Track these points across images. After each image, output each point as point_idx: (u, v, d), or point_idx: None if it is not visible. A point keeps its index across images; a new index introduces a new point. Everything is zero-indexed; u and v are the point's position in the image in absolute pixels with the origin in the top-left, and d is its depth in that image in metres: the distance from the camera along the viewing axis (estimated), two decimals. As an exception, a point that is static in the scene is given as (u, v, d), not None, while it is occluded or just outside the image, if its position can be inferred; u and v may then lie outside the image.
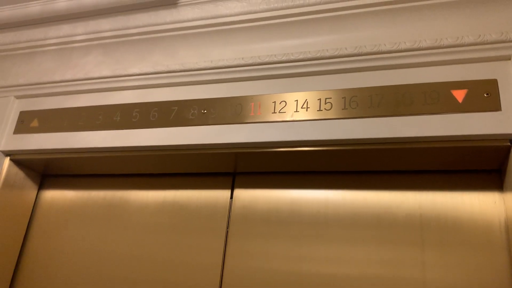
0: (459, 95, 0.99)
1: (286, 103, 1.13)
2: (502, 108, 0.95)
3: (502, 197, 1.05)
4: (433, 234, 1.06)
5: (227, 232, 1.24)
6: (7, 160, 1.37)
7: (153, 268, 1.25)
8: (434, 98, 1.00)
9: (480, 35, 1.00)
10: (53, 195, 1.48)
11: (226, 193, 1.29)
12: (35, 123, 1.35)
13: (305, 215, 1.18)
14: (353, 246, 1.11)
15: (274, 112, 1.13)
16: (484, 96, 0.97)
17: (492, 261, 1.00)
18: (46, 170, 1.47)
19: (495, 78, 0.98)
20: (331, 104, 1.08)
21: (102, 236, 1.35)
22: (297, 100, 1.12)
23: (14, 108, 1.40)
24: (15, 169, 1.40)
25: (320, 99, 1.10)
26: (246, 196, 1.27)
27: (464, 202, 1.09)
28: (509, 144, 0.95)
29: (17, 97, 1.41)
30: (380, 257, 1.08)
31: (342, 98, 1.08)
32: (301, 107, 1.11)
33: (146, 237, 1.30)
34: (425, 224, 1.08)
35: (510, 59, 0.98)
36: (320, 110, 1.09)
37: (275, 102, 1.14)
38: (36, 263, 1.39)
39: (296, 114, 1.10)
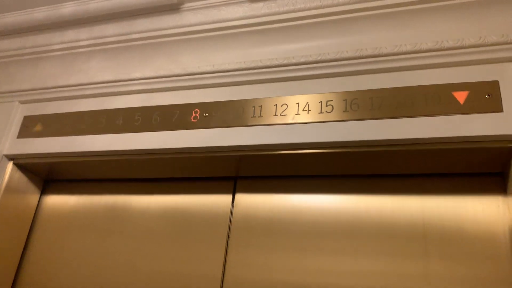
0: (461, 96, 0.99)
1: (287, 106, 1.13)
2: (504, 109, 0.95)
3: (506, 201, 1.04)
4: (437, 241, 1.05)
5: (228, 236, 1.23)
6: (10, 164, 1.38)
7: (154, 277, 1.24)
8: (435, 100, 1.00)
9: (481, 37, 1.00)
10: (55, 201, 1.49)
11: (227, 197, 1.29)
12: (38, 127, 1.36)
13: (306, 222, 1.17)
14: (354, 256, 1.10)
15: (276, 115, 1.13)
16: (485, 97, 0.97)
17: (497, 268, 0.99)
18: (49, 175, 1.47)
19: (497, 79, 0.98)
20: (332, 106, 1.09)
21: (102, 245, 1.34)
22: (298, 103, 1.12)
23: (18, 113, 1.41)
24: (18, 174, 1.41)
25: (321, 101, 1.10)
26: (248, 200, 1.26)
27: (467, 206, 1.08)
28: (511, 145, 0.94)
29: (21, 102, 1.42)
30: (381, 268, 1.06)
31: (343, 100, 1.08)
32: (303, 110, 1.11)
33: (147, 244, 1.29)
34: (428, 230, 1.07)
35: (511, 61, 0.98)
36: (321, 112, 1.09)
37: (276, 105, 1.14)
38: (37, 269, 1.39)
39: (297, 116, 1.11)
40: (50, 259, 1.38)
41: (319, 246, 1.13)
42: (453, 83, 1.00)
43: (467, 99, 0.98)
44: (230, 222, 1.25)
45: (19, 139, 1.37)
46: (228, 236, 1.23)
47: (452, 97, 0.99)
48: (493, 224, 1.03)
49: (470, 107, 0.97)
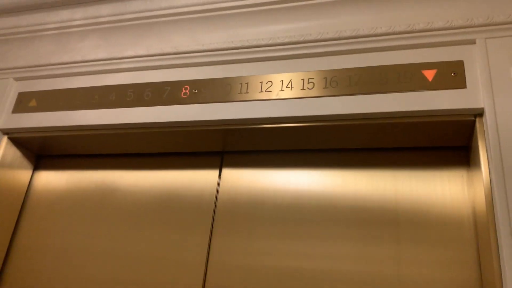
0: (429, 74, 1.09)
1: (272, 83, 1.21)
2: (468, 86, 1.05)
3: (469, 174, 1.14)
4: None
5: (215, 206, 1.31)
6: (5, 139, 1.42)
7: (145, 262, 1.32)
8: (406, 77, 1.10)
9: (448, 21, 1.10)
10: (47, 176, 1.54)
11: (214, 172, 1.37)
12: (33, 103, 1.42)
13: (289, 199, 1.26)
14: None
15: (261, 91, 1.21)
16: (451, 75, 1.07)
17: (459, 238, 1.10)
18: (42, 150, 1.52)
19: (462, 59, 1.08)
20: (314, 83, 1.17)
21: (90, 227, 1.40)
22: (282, 80, 1.20)
23: (12, 89, 1.46)
24: (13, 149, 1.46)
25: (303, 79, 1.19)
26: (234, 175, 1.34)
27: (435, 181, 1.18)
28: (473, 118, 1.04)
29: (16, 79, 1.47)
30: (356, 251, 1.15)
31: (324, 78, 1.17)
32: (286, 87, 1.19)
33: (137, 219, 1.37)
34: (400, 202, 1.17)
35: (475, 43, 1.08)
36: (303, 89, 1.17)
37: (262, 82, 1.22)
38: (28, 244, 1.44)
39: (281, 93, 1.19)
40: (40, 236, 1.44)
41: (298, 230, 1.22)
42: (422, 63, 1.10)
43: (435, 77, 1.08)
44: (216, 194, 1.33)
45: (14, 114, 1.42)
46: (216, 202, 1.31)
47: (421, 75, 1.09)
48: (459, 201, 1.13)
49: (438, 84, 1.07)
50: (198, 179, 1.37)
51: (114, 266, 1.32)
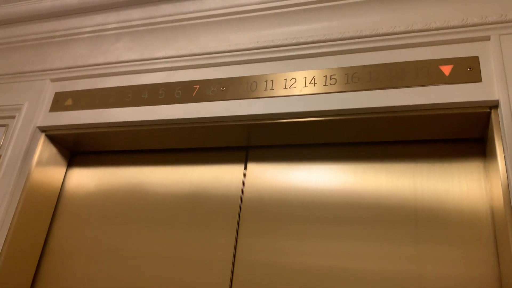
0: (446, 69, 1.15)
1: (296, 80, 1.28)
2: (483, 80, 1.10)
3: (486, 165, 1.20)
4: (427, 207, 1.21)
5: (241, 201, 1.38)
6: (42, 136, 1.51)
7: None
8: (424, 72, 1.16)
9: (463, 19, 1.16)
10: (80, 174, 1.62)
11: (240, 167, 1.44)
12: (69, 102, 1.51)
13: (310, 195, 1.32)
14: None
15: (285, 88, 1.28)
16: (467, 70, 1.13)
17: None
18: (76, 147, 1.61)
19: (477, 55, 1.14)
20: (336, 79, 1.24)
21: (120, 226, 1.46)
22: (305, 77, 1.28)
23: (49, 90, 1.55)
24: (49, 146, 1.54)
25: (326, 76, 1.26)
26: (258, 169, 1.41)
27: (452, 169, 1.23)
28: (489, 110, 1.10)
29: (53, 80, 1.56)
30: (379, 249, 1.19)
31: (345, 74, 1.24)
32: (309, 83, 1.26)
33: (165, 217, 1.43)
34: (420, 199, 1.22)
35: (489, 39, 1.14)
36: (326, 85, 1.24)
37: (286, 79, 1.29)
38: (61, 244, 1.51)
39: (304, 89, 1.26)
40: (74, 235, 1.50)
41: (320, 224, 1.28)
42: (439, 59, 1.16)
43: (452, 72, 1.14)
44: (242, 188, 1.40)
45: (51, 113, 1.51)
46: (241, 201, 1.38)
47: (439, 70, 1.15)
48: (476, 194, 1.18)
49: (454, 79, 1.13)
50: (225, 174, 1.44)
51: (142, 265, 1.37)
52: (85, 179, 1.60)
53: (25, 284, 1.42)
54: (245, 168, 1.43)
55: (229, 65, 1.37)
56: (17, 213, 1.40)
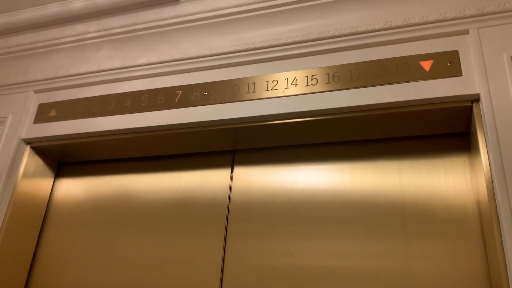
0: (426, 65, 1.15)
1: (277, 81, 1.28)
2: (463, 74, 1.10)
3: (471, 158, 1.19)
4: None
5: (228, 205, 1.37)
6: (28, 148, 1.50)
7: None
8: (405, 69, 1.16)
9: (441, 13, 1.16)
10: (67, 184, 1.61)
11: (227, 171, 1.43)
12: (53, 113, 1.50)
13: (298, 195, 1.31)
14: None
15: (267, 90, 1.27)
16: (447, 64, 1.13)
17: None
18: (62, 158, 1.60)
19: (456, 49, 1.14)
20: (317, 80, 1.24)
21: (108, 233, 1.46)
22: (287, 79, 1.27)
23: (33, 101, 1.55)
24: (35, 158, 1.53)
25: (307, 76, 1.25)
26: (245, 172, 1.40)
27: (438, 164, 1.23)
28: (470, 104, 1.10)
29: (36, 91, 1.56)
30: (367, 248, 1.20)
31: (326, 74, 1.23)
32: (291, 84, 1.26)
33: (154, 223, 1.43)
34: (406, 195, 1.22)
35: (468, 33, 1.14)
36: (307, 85, 1.24)
37: (268, 81, 1.29)
38: (51, 253, 1.50)
39: (286, 90, 1.25)
40: (63, 244, 1.50)
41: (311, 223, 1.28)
42: (419, 54, 1.16)
43: (432, 67, 1.14)
44: (229, 193, 1.39)
45: (35, 124, 1.51)
46: (229, 205, 1.37)
47: (419, 66, 1.15)
48: (462, 188, 1.18)
49: (435, 74, 1.13)
50: (212, 178, 1.43)
51: (132, 271, 1.37)
52: (73, 188, 1.59)
53: (16, 295, 1.42)
54: (232, 172, 1.42)
55: (211, 69, 1.37)
56: (4, 224, 1.39)
